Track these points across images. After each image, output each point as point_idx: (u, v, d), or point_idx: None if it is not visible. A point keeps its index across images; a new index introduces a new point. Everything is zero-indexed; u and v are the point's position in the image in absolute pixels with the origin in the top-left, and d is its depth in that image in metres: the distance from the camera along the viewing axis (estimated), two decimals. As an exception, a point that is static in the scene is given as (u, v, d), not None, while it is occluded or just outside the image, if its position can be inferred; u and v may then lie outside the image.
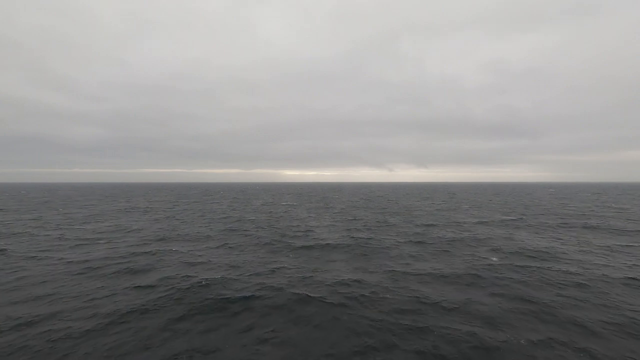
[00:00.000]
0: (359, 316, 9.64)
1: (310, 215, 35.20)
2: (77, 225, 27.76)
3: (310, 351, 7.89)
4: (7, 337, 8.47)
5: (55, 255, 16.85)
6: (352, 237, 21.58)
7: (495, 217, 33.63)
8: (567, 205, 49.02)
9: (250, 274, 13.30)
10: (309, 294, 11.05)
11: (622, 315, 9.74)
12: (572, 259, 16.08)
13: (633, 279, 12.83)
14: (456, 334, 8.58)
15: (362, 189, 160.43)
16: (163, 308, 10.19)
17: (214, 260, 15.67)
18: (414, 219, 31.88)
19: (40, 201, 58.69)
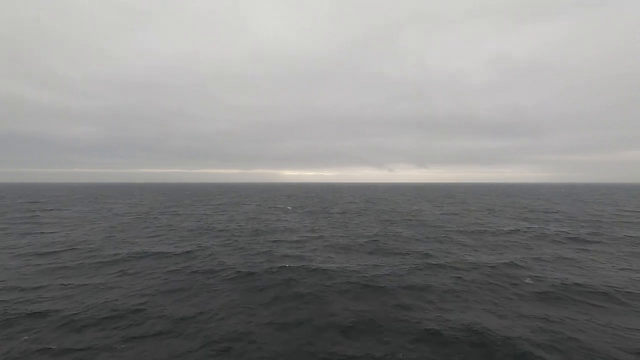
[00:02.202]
0: None
1: (304, 224, 30.82)
2: (11, 238, 22.90)
3: None
4: None
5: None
6: (354, 260, 17.22)
7: (518, 225, 29.22)
8: (585, 208, 44.76)
9: (194, 348, 8.80)
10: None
11: None
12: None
13: None
14: None
15: (362, 190, 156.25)
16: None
17: (145, 312, 10.74)
18: (425, 229, 27.53)
19: (9, 204, 54.16)
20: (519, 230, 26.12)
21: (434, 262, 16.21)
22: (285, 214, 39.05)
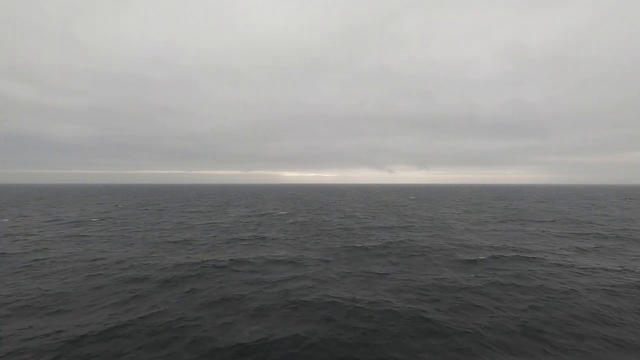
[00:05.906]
0: None
1: (291, 249, 21.32)
2: None
3: None
4: None
5: None
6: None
7: (588, 253, 19.88)
8: (629, 216, 35.40)
9: None
10: None
11: None
12: None
13: None
14: None
15: (364, 192, 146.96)
16: None
17: None
18: (453, 250, 18.14)
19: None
20: (608, 270, 16.30)
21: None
22: (268, 229, 29.45)
